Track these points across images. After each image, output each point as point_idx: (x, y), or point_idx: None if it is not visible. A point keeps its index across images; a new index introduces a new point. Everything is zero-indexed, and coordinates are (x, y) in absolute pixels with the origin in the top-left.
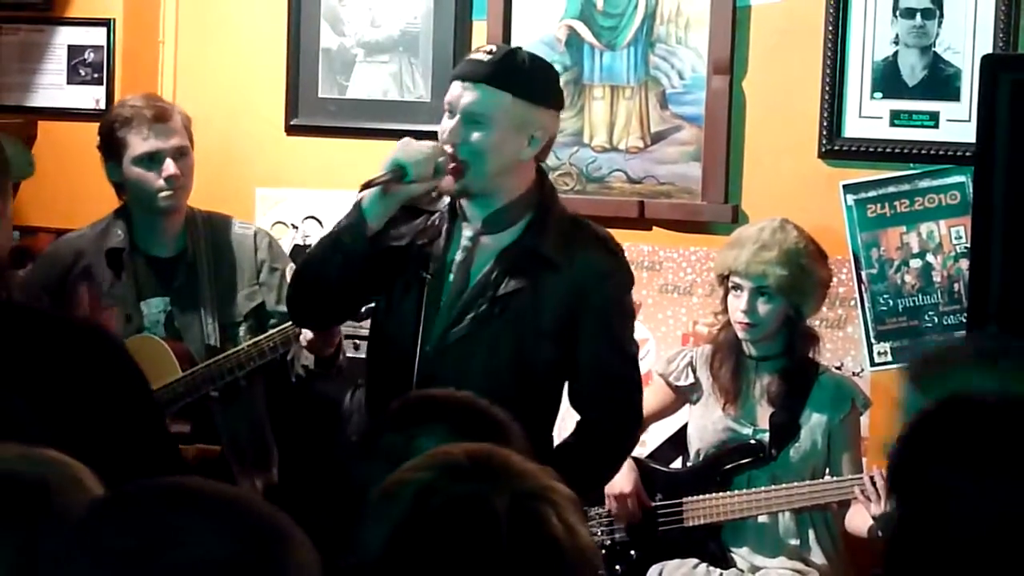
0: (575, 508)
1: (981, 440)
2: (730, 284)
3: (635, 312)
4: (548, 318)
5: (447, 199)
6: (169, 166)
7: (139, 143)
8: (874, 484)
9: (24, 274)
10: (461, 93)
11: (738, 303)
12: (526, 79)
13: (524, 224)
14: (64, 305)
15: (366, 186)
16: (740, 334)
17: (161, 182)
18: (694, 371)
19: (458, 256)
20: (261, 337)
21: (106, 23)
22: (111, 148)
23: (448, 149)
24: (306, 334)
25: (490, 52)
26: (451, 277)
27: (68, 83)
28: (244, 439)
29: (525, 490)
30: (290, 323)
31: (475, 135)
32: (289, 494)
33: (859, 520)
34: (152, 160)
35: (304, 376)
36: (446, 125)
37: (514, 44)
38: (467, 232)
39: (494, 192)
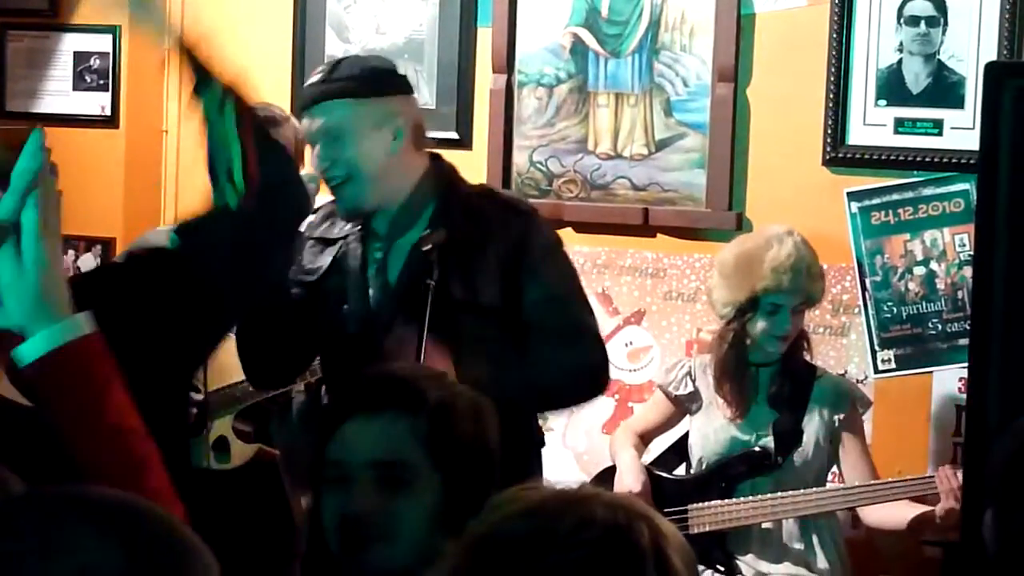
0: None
1: None
2: (764, 305)
3: (570, 264)
4: (481, 294)
5: (348, 225)
6: None
7: None
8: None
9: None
10: (311, 121)
11: (775, 321)
12: (361, 79)
13: (428, 215)
14: None
15: None
16: (772, 348)
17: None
18: (693, 380)
19: (372, 270)
20: None
21: (111, 30)
22: None
23: (322, 176)
24: None
25: (319, 72)
26: (371, 291)
27: (74, 89)
28: (298, 454)
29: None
30: None
31: (340, 150)
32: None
33: (894, 513)
34: None
35: None
36: (313, 156)
37: (518, 52)
38: (376, 244)
39: (386, 197)
